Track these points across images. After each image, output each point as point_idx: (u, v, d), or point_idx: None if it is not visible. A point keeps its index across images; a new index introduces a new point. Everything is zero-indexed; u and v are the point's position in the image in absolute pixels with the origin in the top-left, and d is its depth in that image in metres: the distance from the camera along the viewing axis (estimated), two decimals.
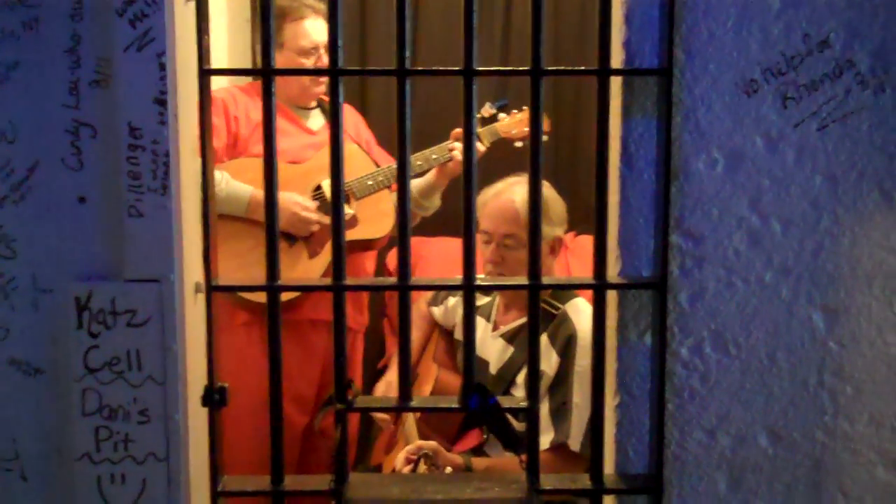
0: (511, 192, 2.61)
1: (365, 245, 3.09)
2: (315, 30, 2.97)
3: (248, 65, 3.50)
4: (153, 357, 1.63)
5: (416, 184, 3.13)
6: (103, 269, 1.63)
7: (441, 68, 1.66)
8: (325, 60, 2.97)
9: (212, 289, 1.64)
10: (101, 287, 1.62)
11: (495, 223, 2.62)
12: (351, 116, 3.25)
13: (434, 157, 3.04)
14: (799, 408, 1.74)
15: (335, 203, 1.65)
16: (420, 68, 1.63)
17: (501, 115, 3.16)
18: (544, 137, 3.16)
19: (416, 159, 3.02)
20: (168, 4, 1.54)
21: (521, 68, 1.63)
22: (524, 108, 3.12)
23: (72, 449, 1.67)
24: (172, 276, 1.61)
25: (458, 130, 2.96)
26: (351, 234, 2.94)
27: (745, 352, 1.72)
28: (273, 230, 1.64)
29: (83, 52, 1.58)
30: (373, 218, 3.03)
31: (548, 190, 2.60)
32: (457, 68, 1.61)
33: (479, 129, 3.09)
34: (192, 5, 1.59)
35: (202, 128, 1.60)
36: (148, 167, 1.57)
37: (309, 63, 2.95)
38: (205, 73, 1.58)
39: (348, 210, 2.96)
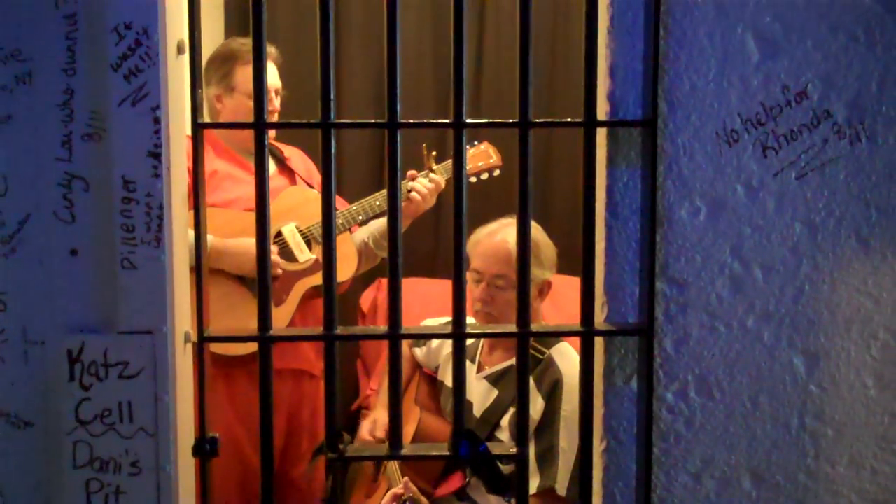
0: (504, 233, 2.63)
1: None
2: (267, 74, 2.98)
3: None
4: (145, 408, 1.63)
5: (377, 225, 3.13)
6: (96, 321, 1.63)
7: (432, 121, 1.69)
8: (276, 104, 2.99)
9: (203, 339, 1.65)
10: (94, 339, 1.61)
11: (487, 263, 2.64)
12: (300, 161, 3.25)
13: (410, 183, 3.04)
14: (782, 450, 1.77)
15: (326, 254, 1.66)
16: (410, 121, 1.64)
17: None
18: (496, 172, 3.22)
19: (376, 199, 3.03)
20: (162, 59, 1.56)
21: (509, 121, 1.66)
22: (475, 143, 3.17)
23: (62, 502, 1.66)
24: (165, 328, 1.61)
25: (413, 172, 3.00)
26: (313, 280, 2.95)
27: (729, 396, 1.75)
28: (265, 279, 1.65)
29: (76, 105, 1.59)
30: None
31: (538, 233, 2.62)
32: (447, 121, 1.64)
33: (435, 166, 3.10)
34: (184, 58, 1.60)
35: (195, 180, 1.61)
36: (142, 219, 1.58)
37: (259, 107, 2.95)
38: (199, 127, 1.59)
39: (310, 255, 2.97)
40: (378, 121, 1.65)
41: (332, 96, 1.62)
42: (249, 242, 2.83)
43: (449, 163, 3.06)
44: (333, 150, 1.65)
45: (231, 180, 2.96)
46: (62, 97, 1.59)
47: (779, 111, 1.70)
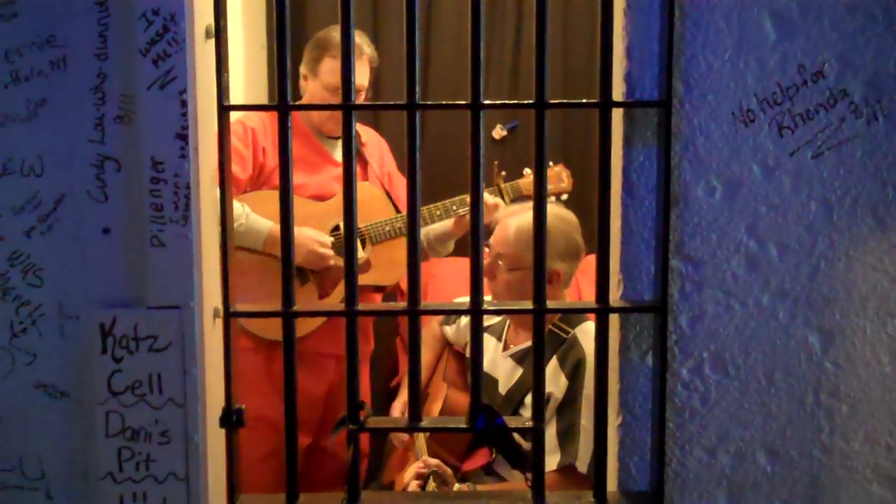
0: (520, 216, 2.69)
1: (373, 289, 3.15)
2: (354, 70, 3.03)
3: (264, 91, 3.57)
4: (174, 380, 1.69)
5: (434, 229, 3.20)
6: (127, 296, 1.70)
7: (449, 102, 1.73)
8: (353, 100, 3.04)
9: (229, 315, 1.71)
10: (125, 314, 1.68)
11: (496, 240, 2.74)
12: (376, 145, 3.30)
13: (455, 207, 3.12)
14: (796, 426, 1.79)
15: (349, 231, 1.71)
16: (429, 102, 1.69)
17: (526, 171, 3.23)
18: (564, 196, 3.25)
19: (437, 209, 3.09)
20: (189, 44, 1.61)
21: (526, 101, 1.69)
22: (550, 164, 3.18)
23: (96, 469, 1.73)
24: (193, 303, 1.67)
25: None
26: (362, 279, 3.00)
27: (744, 372, 1.78)
28: (289, 258, 1.71)
29: (108, 89, 1.65)
30: (385, 265, 3.09)
31: (557, 222, 2.64)
32: (464, 102, 1.68)
33: (503, 185, 3.16)
34: (212, 42, 1.66)
35: (221, 161, 1.67)
36: (170, 199, 1.64)
37: (335, 100, 3.00)
38: (224, 110, 1.65)
39: (361, 254, 3.01)
40: (399, 103, 1.69)
41: (352, 80, 1.67)
42: (303, 233, 2.90)
43: (517, 183, 3.13)
44: (418, 130, 1.70)
45: (303, 164, 3.00)
46: (95, 81, 1.65)
47: (795, 91, 1.72)
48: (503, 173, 3.17)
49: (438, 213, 3.08)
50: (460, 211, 3.11)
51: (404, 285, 3.96)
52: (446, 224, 3.18)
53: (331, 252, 2.97)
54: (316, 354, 3.03)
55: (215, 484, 1.77)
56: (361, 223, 3.04)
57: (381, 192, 3.14)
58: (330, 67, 3.01)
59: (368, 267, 3.03)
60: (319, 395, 3.13)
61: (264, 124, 3.05)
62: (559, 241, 2.67)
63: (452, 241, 3.25)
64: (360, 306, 1.74)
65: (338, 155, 3.19)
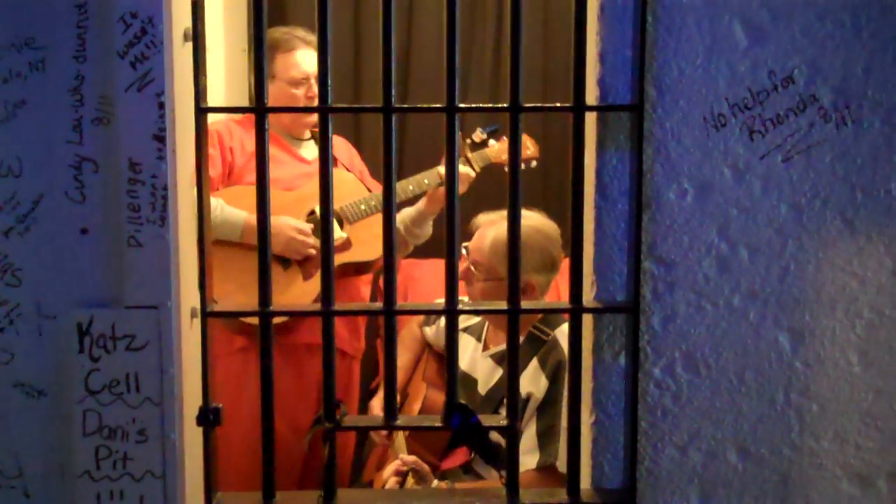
0: (491, 228, 2.71)
1: (359, 268, 3.15)
2: (305, 61, 3.06)
3: (245, 94, 3.59)
4: (151, 379, 1.71)
5: (408, 212, 3.21)
6: (104, 296, 1.71)
7: (425, 105, 1.75)
8: (315, 90, 3.06)
9: (206, 314, 1.72)
10: (102, 313, 1.69)
11: (472, 247, 2.76)
12: (345, 149, 3.33)
13: (426, 181, 3.12)
14: (767, 425, 1.82)
15: (324, 230, 1.74)
16: (406, 105, 1.71)
17: (492, 142, 3.24)
18: (533, 163, 3.27)
19: (409, 184, 3.10)
20: (167, 46, 1.63)
21: (500, 105, 1.72)
22: None
23: (73, 467, 1.74)
24: (170, 303, 1.69)
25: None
26: (344, 257, 3.01)
27: (715, 372, 1.81)
28: (265, 255, 1.73)
29: (86, 91, 1.66)
30: (366, 241, 3.11)
31: (533, 234, 2.64)
32: (440, 105, 1.70)
33: (470, 154, 3.17)
34: (190, 46, 1.68)
35: (198, 162, 1.68)
36: (147, 200, 1.66)
37: (300, 93, 3.04)
38: (202, 112, 1.67)
39: (341, 233, 3.03)
40: (376, 105, 1.72)
41: (328, 82, 1.69)
42: (283, 221, 2.92)
43: (485, 152, 3.14)
44: (394, 133, 1.73)
45: (274, 162, 3.02)
46: (73, 83, 1.66)
47: (765, 96, 1.75)
48: (468, 141, 3.17)
49: (411, 188, 3.09)
50: (432, 184, 3.12)
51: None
52: (419, 206, 3.19)
53: (311, 240, 2.99)
54: (303, 347, 3.04)
55: (192, 482, 1.79)
56: (336, 205, 3.06)
57: (351, 177, 3.16)
58: (283, 64, 3.05)
59: (349, 245, 3.05)
60: (312, 396, 3.13)
61: (228, 127, 3.09)
62: (534, 255, 2.66)
63: (429, 221, 3.26)
64: (338, 305, 1.76)
65: (305, 153, 3.23)
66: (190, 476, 1.78)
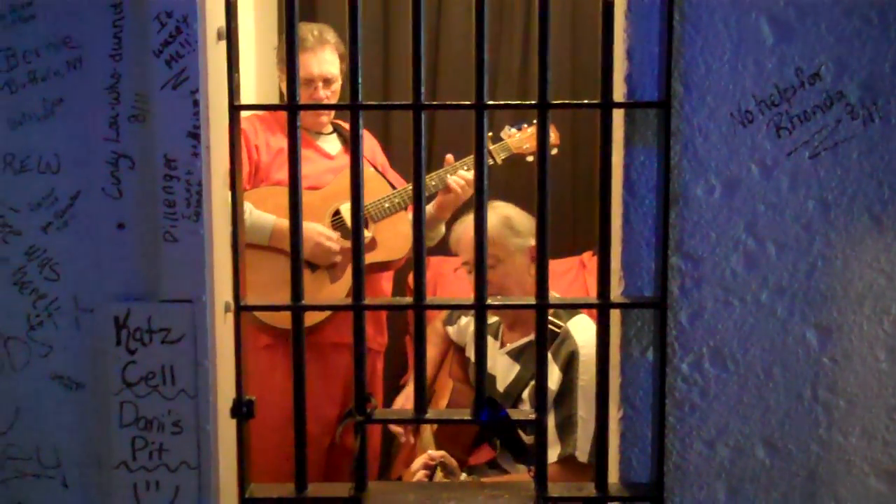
0: (465, 223, 2.76)
1: (382, 266, 3.18)
2: (313, 63, 3.06)
3: (276, 92, 3.62)
4: (186, 372, 1.74)
5: (429, 209, 3.22)
6: (140, 290, 1.75)
7: (454, 103, 1.77)
8: (320, 93, 3.08)
9: (240, 308, 1.75)
10: (139, 307, 1.73)
11: (469, 251, 2.70)
12: (368, 141, 3.34)
13: (433, 183, 3.10)
14: (794, 421, 1.83)
15: (355, 229, 1.76)
16: (435, 102, 1.73)
17: (512, 131, 3.24)
18: (553, 150, 3.28)
19: (432, 179, 3.11)
20: (201, 45, 1.66)
21: (529, 102, 1.74)
22: (535, 122, 3.20)
23: (110, 458, 1.78)
24: (204, 297, 1.72)
25: (450, 157, 3.07)
26: (369, 258, 3.03)
27: (743, 367, 1.81)
28: (297, 253, 1.75)
29: (123, 89, 1.70)
30: (390, 240, 3.12)
31: (507, 209, 2.75)
32: (469, 102, 1.72)
33: (492, 146, 3.17)
34: (224, 44, 1.71)
35: (232, 158, 1.72)
36: (182, 196, 1.69)
37: (306, 94, 3.04)
38: (235, 109, 1.70)
39: (366, 233, 3.05)
40: (405, 103, 1.74)
41: (359, 79, 1.72)
42: (310, 228, 2.94)
43: (506, 142, 3.14)
44: (423, 130, 1.75)
45: None
46: (109, 81, 1.70)
47: (792, 92, 1.76)
48: (489, 134, 3.17)
49: (433, 182, 3.10)
50: (451, 182, 3.12)
51: (412, 283, 4.03)
52: (429, 209, 3.20)
53: (336, 246, 3.01)
54: (330, 345, 3.07)
55: (227, 473, 1.82)
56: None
57: (374, 172, 3.17)
58: (301, 62, 3.04)
59: (375, 245, 3.07)
60: (337, 391, 3.16)
61: (253, 125, 3.11)
62: (522, 220, 2.78)
63: (441, 224, 3.26)
64: (368, 299, 1.79)
65: (328, 148, 3.24)
66: (223, 467, 1.81)
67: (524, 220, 2.78)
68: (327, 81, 3.09)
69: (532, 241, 2.74)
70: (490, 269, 2.62)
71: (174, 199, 1.69)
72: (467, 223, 2.77)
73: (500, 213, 2.78)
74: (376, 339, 3.26)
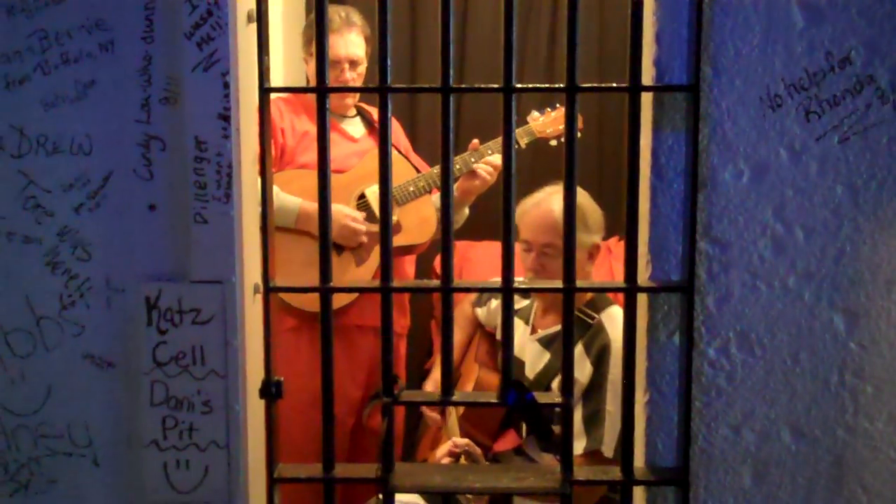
0: (550, 201, 2.66)
1: (406, 250, 3.19)
2: (340, 44, 3.09)
3: (303, 75, 3.64)
4: (216, 352, 1.76)
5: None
6: (171, 270, 1.77)
7: (482, 86, 1.78)
8: (346, 75, 3.09)
9: (269, 290, 1.77)
10: (169, 287, 1.75)
11: (535, 233, 2.68)
12: (392, 124, 3.36)
13: (457, 167, 3.11)
14: (821, 406, 1.82)
15: (384, 212, 1.77)
16: (463, 86, 1.74)
17: (535, 114, 3.24)
18: (577, 134, 3.27)
19: (456, 163, 3.12)
20: (232, 27, 1.68)
21: (557, 85, 1.74)
22: (557, 105, 3.19)
23: (140, 437, 1.80)
24: (234, 278, 1.74)
25: (475, 142, 3.08)
26: (395, 241, 3.05)
27: (770, 352, 1.81)
28: (326, 236, 1.76)
29: (154, 71, 1.72)
30: (415, 224, 3.14)
31: (584, 198, 2.66)
32: (497, 86, 1.73)
33: (516, 130, 3.16)
34: (254, 27, 1.72)
35: (262, 141, 1.73)
36: (213, 177, 1.71)
37: (332, 76, 3.05)
38: (265, 91, 1.71)
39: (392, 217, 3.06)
40: (433, 86, 1.74)
41: (388, 62, 1.72)
42: (337, 210, 2.95)
43: (530, 126, 3.13)
44: (451, 113, 1.75)
45: None
46: (141, 63, 1.72)
47: (822, 77, 1.75)
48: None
49: (458, 166, 3.10)
50: (478, 169, 3.12)
51: (439, 267, 4.04)
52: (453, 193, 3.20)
53: (363, 227, 3.03)
54: (354, 328, 3.09)
55: (255, 452, 1.84)
56: None
57: (399, 156, 3.17)
58: (329, 44, 3.05)
59: (399, 228, 3.09)
60: (361, 373, 3.19)
61: (278, 108, 3.12)
62: (594, 215, 2.70)
63: (464, 208, 3.27)
64: (395, 282, 1.80)
65: (352, 131, 3.26)
66: (252, 447, 1.83)
67: (596, 216, 2.72)
68: (353, 63, 3.11)
69: (597, 239, 2.72)
70: (550, 258, 2.63)
71: (205, 180, 1.71)
72: (538, 201, 2.72)
73: (584, 198, 2.66)
74: (399, 322, 3.28)
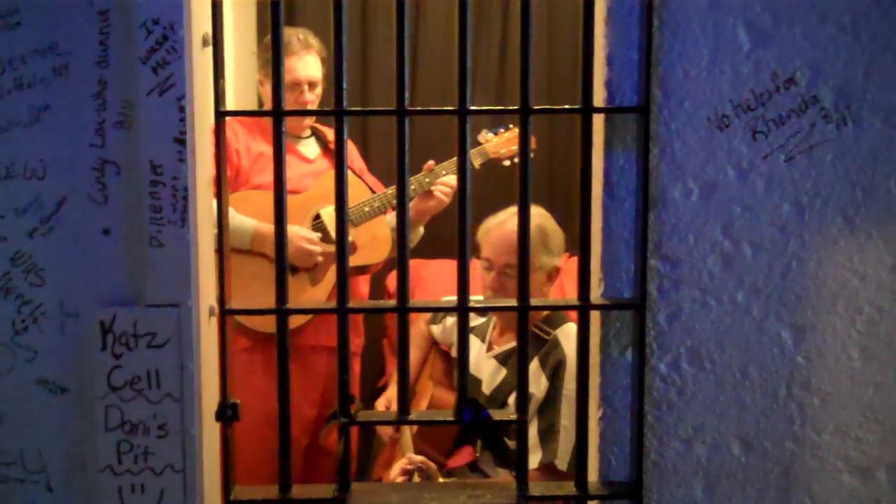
0: (513, 222, 2.58)
1: (361, 270, 3.20)
2: (299, 67, 3.11)
3: (253, 96, 3.64)
4: (171, 376, 1.75)
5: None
6: (126, 294, 1.76)
7: (437, 108, 1.80)
8: (306, 97, 3.10)
9: (225, 312, 1.77)
10: (124, 311, 1.74)
11: (497, 252, 2.70)
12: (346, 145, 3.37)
13: (412, 188, 3.12)
14: (770, 418, 1.86)
15: (340, 233, 1.78)
16: (418, 108, 1.75)
17: (489, 135, 3.26)
18: (531, 154, 3.31)
19: (412, 183, 3.13)
20: (187, 52, 1.67)
21: (511, 108, 1.77)
22: (511, 126, 3.23)
23: (95, 461, 1.78)
24: (190, 302, 1.73)
25: (431, 163, 3.10)
26: (350, 261, 3.06)
27: (720, 366, 1.85)
28: (282, 258, 1.77)
29: (109, 96, 1.71)
30: (370, 244, 3.15)
31: (547, 220, 2.69)
32: (452, 108, 1.75)
33: (470, 151, 3.19)
34: (209, 51, 1.72)
35: (218, 164, 1.73)
36: (168, 201, 1.70)
37: (291, 98, 3.07)
38: (221, 115, 1.71)
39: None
40: (389, 108, 1.76)
41: (344, 86, 1.73)
42: (292, 231, 2.95)
43: (483, 147, 3.16)
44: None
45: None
46: (96, 88, 1.71)
47: (768, 97, 1.79)
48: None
49: (413, 187, 3.12)
50: (435, 191, 3.15)
51: (391, 286, 4.05)
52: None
53: (318, 248, 3.04)
54: (309, 348, 3.09)
55: (211, 476, 1.83)
56: None
57: (354, 177, 3.18)
58: (287, 67, 3.06)
59: (355, 248, 3.10)
60: (315, 393, 3.19)
61: (233, 130, 3.12)
62: (556, 238, 2.72)
63: (419, 227, 3.29)
64: (352, 302, 1.81)
65: (306, 152, 3.27)
66: (208, 470, 1.82)
67: (558, 238, 2.75)
68: (312, 85, 3.12)
69: (557, 262, 2.74)
70: (510, 278, 2.63)
71: (160, 204, 1.70)
72: (501, 221, 2.73)
73: (538, 223, 2.67)
74: (354, 341, 3.28)
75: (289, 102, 3.07)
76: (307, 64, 3.11)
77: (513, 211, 2.68)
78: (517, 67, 1.76)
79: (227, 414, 1.78)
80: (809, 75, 1.79)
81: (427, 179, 3.13)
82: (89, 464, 1.81)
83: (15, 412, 1.81)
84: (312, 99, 3.13)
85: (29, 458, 1.82)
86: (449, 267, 3.81)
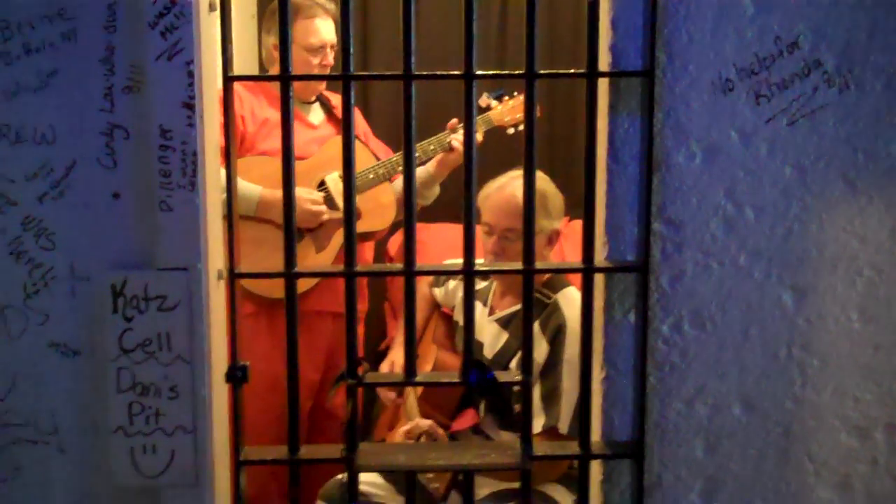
0: (513, 186, 2.67)
1: (366, 236, 3.21)
2: (324, 29, 3.11)
3: (253, 59, 3.63)
4: (181, 338, 1.78)
5: (419, 175, 3.24)
6: (136, 258, 1.78)
7: (443, 73, 1.80)
8: (329, 59, 3.11)
9: (234, 276, 1.79)
10: (135, 275, 1.76)
11: (497, 217, 2.70)
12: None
13: (432, 147, 3.15)
14: (770, 379, 1.89)
15: (347, 199, 1.79)
16: (424, 73, 1.76)
17: (494, 103, 3.27)
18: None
19: (430, 143, 3.14)
20: (195, 17, 1.68)
21: (516, 72, 1.77)
22: (515, 94, 3.24)
23: (107, 423, 1.81)
24: (199, 265, 1.75)
25: (454, 121, 3.11)
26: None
27: (721, 328, 1.87)
28: (290, 220, 1.78)
29: (117, 60, 1.72)
30: (375, 210, 3.16)
31: (547, 184, 2.70)
32: (458, 72, 1.76)
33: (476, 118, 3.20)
34: (216, 15, 1.73)
35: (227, 129, 1.74)
36: (177, 165, 1.72)
37: (315, 60, 3.07)
38: (229, 80, 1.72)
39: None
40: (396, 73, 1.77)
41: (351, 50, 1.74)
42: (297, 194, 2.95)
43: (487, 115, 3.18)
44: (353, 101, 1.78)
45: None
46: (104, 53, 1.72)
47: (771, 61, 1.80)
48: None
49: (417, 154, 3.13)
50: (438, 150, 3.17)
51: (392, 250, 4.07)
52: (428, 168, 3.23)
53: (323, 208, 3.05)
54: (314, 313, 3.11)
55: (221, 436, 1.86)
56: None
57: (359, 143, 3.18)
58: (302, 31, 3.08)
59: (360, 215, 3.11)
60: (320, 357, 3.22)
61: (238, 94, 3.10)
62: (555, 201, 2.73)
63: (437, 184, 3.31)
64: (359, 267, 1.83)
65: (312, 117, 3.27)
66: (218, 431, 1.85)
67: (557, 202, 2.75)
68: (333, 47, 3.12)
69: (557, 225, 2.75)
70: (511, 242, 2.65)
71: (169, 168, 1.72)
72: (501, 185, 2.73)
73: (538, 186, 2.63)
74: (358, 307, 3.30)
75: (312, 65, 3.08)
76: (330, 27, 3.13)
77: (512, 175, 2.70)
78: (517, 33, 1.76)
79: (236, 375, 1.80)
80: (812, 39, 1.80)
81: (432, 147, 3.15)
82: (101, 425, 1.83)
83: (28, 375, 1.84)
84: (331, 62, 3.13)
85: (42, 419, 1.85)
86: (449, 231, 3.87)
